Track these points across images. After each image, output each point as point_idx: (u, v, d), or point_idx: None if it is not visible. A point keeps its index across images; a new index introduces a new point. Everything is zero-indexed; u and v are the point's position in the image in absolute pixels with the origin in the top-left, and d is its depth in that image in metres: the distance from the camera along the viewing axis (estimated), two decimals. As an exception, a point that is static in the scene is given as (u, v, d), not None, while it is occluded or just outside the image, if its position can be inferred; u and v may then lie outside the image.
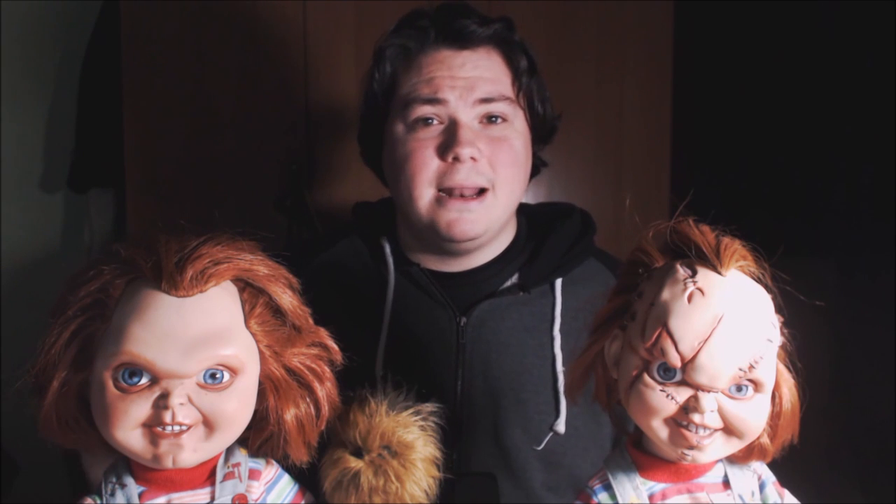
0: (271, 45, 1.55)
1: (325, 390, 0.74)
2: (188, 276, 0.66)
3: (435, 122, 1.05)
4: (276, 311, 0.72)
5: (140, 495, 0.70)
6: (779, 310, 0.70)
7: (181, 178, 1.56)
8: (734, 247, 0.69)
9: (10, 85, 1.85)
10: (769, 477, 0.76)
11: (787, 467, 0.77)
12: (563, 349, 1.06)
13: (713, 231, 0.71)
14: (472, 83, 1.04)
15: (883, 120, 1.82)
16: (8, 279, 1.87)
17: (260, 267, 0.70)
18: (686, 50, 1.67)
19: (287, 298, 0.72)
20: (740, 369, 0.65)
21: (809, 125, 1.92)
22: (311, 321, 0.74)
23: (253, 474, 0.74)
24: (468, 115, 1.04)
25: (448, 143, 1.03)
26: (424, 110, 1.04)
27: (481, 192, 1.04)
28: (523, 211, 1.17)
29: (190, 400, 0.66)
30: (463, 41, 1.06)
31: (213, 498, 0.71)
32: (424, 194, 1.04)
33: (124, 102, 1.55)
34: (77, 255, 1.90)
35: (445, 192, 1.04)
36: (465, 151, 1.02)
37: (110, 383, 0.65)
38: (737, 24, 1.94)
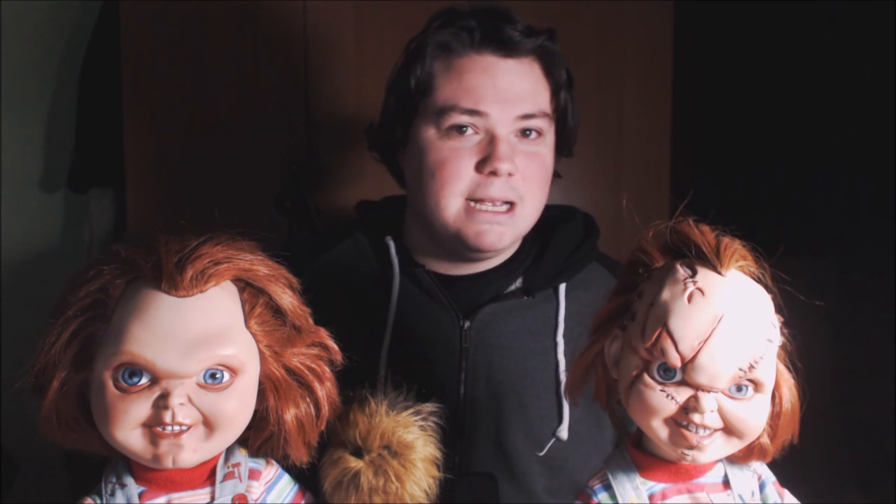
0: (271, 45, 1.55)
1: (325, 390, 0.74)
2: (188, 276, 0.66)
3: (470, 131, 1.03)
4: (276, 311, 0.72)
5: (140, 495, 0.70)
6: (779, 310, 0.70)
7: (181, 178, 1.56)
8: (734, 247, 0.69)
9: (10, 85, 1.85)
10: (769, 477, 0.76)
11: (787, 467, 0.77)
12: (565, 355, 1.06)
13: (713, 231, 0.71)
14: (514, 98, 1.03)
15: (883, 120, 1.82)
16: (8, 279, 1.86)
17: (260, 267, 0.70)
18: (686, 50, 1.67)
19: (287, 298, 0.72)
20: (740, 369, 0.65)
21: (809, 125, 1.92)
22: (311, 321, 0.74)
23: (253, 474, 0.74)
24: (506, 130, 1.03)
25: (488, 157, 1.02)
26: (462, 120, 1.03)
27: (510, 205, 1.04)
28: None
29: (190, 400, 0.66)
30: (508, 49, 1.04)
31: (213, 498, 0.71)
32: (452, 203, 1.03)
33: (124, 102, 1.55)
34: (77, 255, 1.90)
35: (474, 202, 1.03)
36: (504, 167, 1.01)
37: (110, 383, 0.65)
38: (737, 25, 1.94)
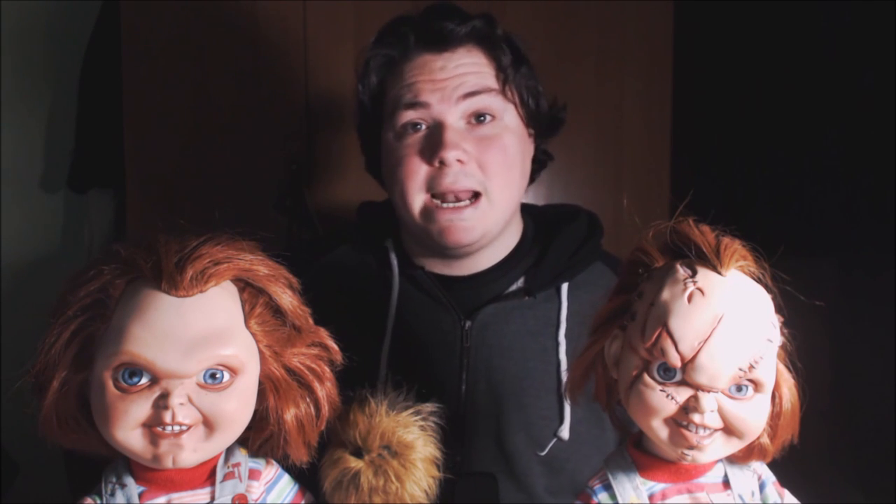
0: (271, 45, 1.55)
1: (325, 390, 0.74)
2: (188, 276, 0.66)
3: (423, 126, 1.04)
4: (276, 311, 0.72)
5: (140, 495, 0.70)
6: (779, 310, 0.70)
7: (181, 178, 1.56)
8: (734, 247, 0.69)
9: (10, 85, 1.85)
10: (769, 477, 0.76)
11: (787, 467, 0.77)
12: (567, 354, 1.06)
13: (713, 231, 0.71)
14: (453, 82, 1.03)
15: (883, 120, 1.82)
16: (8, 279, 1.87)
17: (260, 267, 0.70)
18: (686, 50, 1.67)
19: (287, 298, 0.72)
20: (740, 369, 0.65)
21: (809, 125, 1.92)
22: (311, 321, 0.74)
23: (253, 474, 0.74)
24: (453, 116, 1.03)
25: (433, 146, 1.02)
26: (409, 115, 1.04)
27: (475, 196, 1.03)
28: (529, 212, 1.17)
29: (190, 400, 0.66)
30: (442, 44, 1.04)
31: (213, 498, 0.71)
32: (416, 201, 1.04)
33: (124, 102, 1.55)
34: (77, 255, 1.90)
35: (438, 198, 1.03)
36: (449, 155, 1.01)
37: (110, 383, 0.65)
38: (737, 24, 1.94)
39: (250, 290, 0.70)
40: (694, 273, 0.68)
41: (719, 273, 0.67)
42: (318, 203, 1.55)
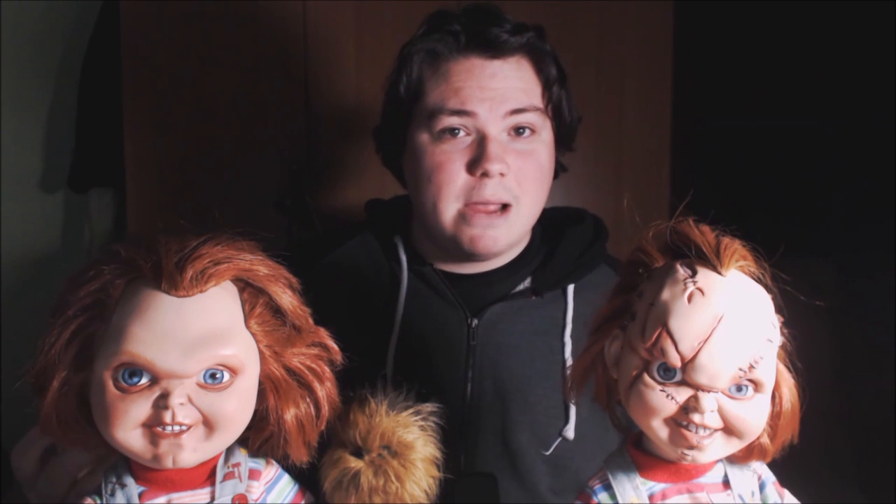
0: (271, 45, 1.55)
1: (325, 390, 0.74)
2: (188, 276, 0.66)
3: (462, 133, 1.03)
4: (276, 311, 0.72)
5: (140, 495, 0.70)
6: (779, 310, 0.70)
7: (181, 178, 1.57)
8: (734, 247, 0.69)
9: (10, 85, 1.85)
10: (769, 477, 0.76)
11: (787, 467, 0.77)
12: (573, 355, 1.06)
13: (713, 231, 0.71)
14: (502, 94, 1.03)
15: (883, 119, 1.82)
16: (8, 279, 1.87)
17: (260, 267, 0.70)
18: (686, 50, 1.67)
19: (287, 298, 0.72)
20: (740, 369, 0.65)
21: (809, 125, 1.92)
22: (311, 321, 0.74)
23: (253, 474, 0.74)
24: (497, 128, 1.03)
25: (478, 158, 1.02)
26: (452, 121, 1.03)
27: (504, 206, 1.04)
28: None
29: (190, 400, 0.66)
30: (494, 50, 1.03)
31: (213, 498, 0.71)
32: (450, 208, 1.04)
33: (124, 102, 1.55)
34: (77, 255, 1.90)
35: (470, 206, 1.04)
36: (494, 167, 1.01)
37: (110, 383, 0.65)
38: (737, 24, 1.94)
39: (250, 290, 0.70)
40: (694, 273, 0.68)
41: (719, 273, 0.67)
42: (318, 203, 1.55)
